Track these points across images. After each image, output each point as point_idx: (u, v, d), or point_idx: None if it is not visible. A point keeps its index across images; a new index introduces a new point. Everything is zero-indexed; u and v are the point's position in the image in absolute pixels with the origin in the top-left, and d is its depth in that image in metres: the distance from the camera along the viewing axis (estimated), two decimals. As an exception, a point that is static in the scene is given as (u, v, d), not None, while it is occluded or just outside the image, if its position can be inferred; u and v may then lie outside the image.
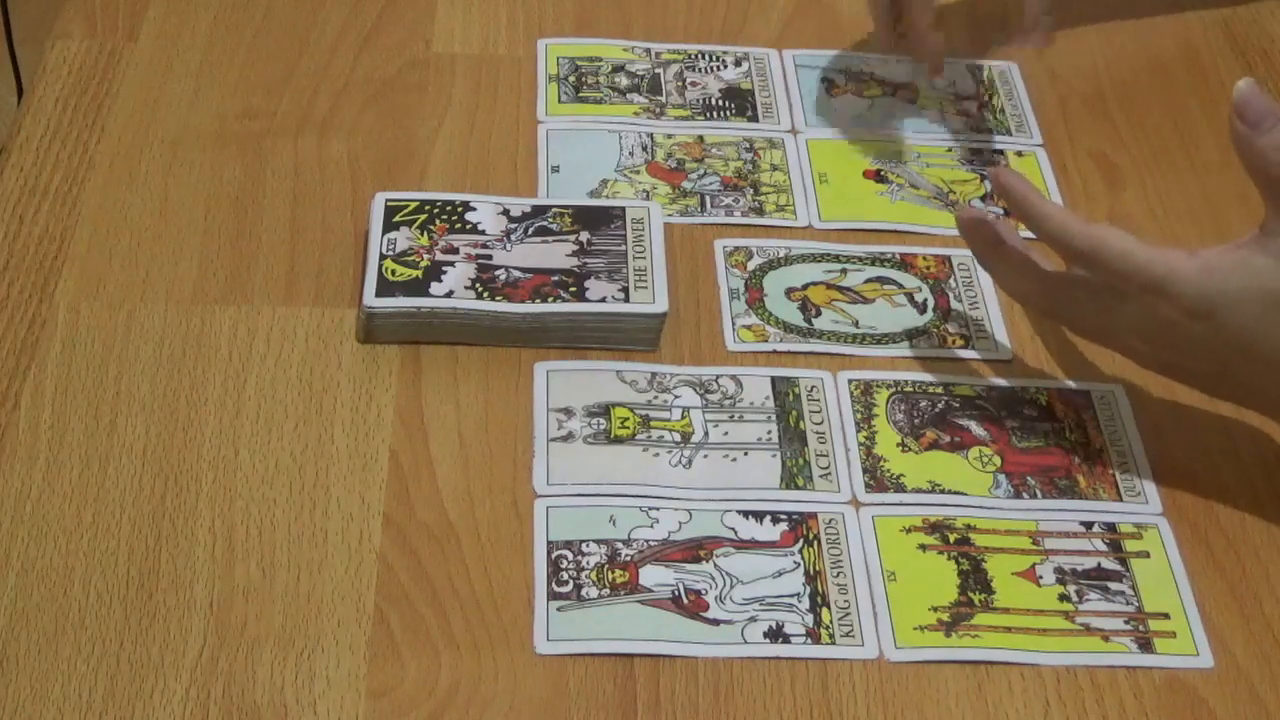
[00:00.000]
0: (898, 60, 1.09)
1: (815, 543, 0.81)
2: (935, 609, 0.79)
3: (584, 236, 0.92)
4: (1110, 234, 0.80)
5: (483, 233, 0.92)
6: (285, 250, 0.94)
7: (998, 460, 0.86)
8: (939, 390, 0.89)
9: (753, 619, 0.78)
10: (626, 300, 0.89)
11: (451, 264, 0.90)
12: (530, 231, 0.93)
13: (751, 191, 1.00)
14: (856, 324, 0.92)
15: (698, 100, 1.06)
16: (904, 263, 0.96)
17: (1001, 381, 0.90)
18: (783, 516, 0.82)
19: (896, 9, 1.03)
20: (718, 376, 0.89)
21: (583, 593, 0.78)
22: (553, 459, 0.84)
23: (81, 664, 0.74)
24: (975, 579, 0.80)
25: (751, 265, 0.95)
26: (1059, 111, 1.08)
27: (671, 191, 0.99)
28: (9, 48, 1.83)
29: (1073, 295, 0.83)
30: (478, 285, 0.89)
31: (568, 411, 0.86)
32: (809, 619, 0.78)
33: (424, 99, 1.05)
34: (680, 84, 1.07)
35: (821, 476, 0.84)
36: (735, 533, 0.81)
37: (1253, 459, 0.87)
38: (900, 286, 0.95)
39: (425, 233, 0.92)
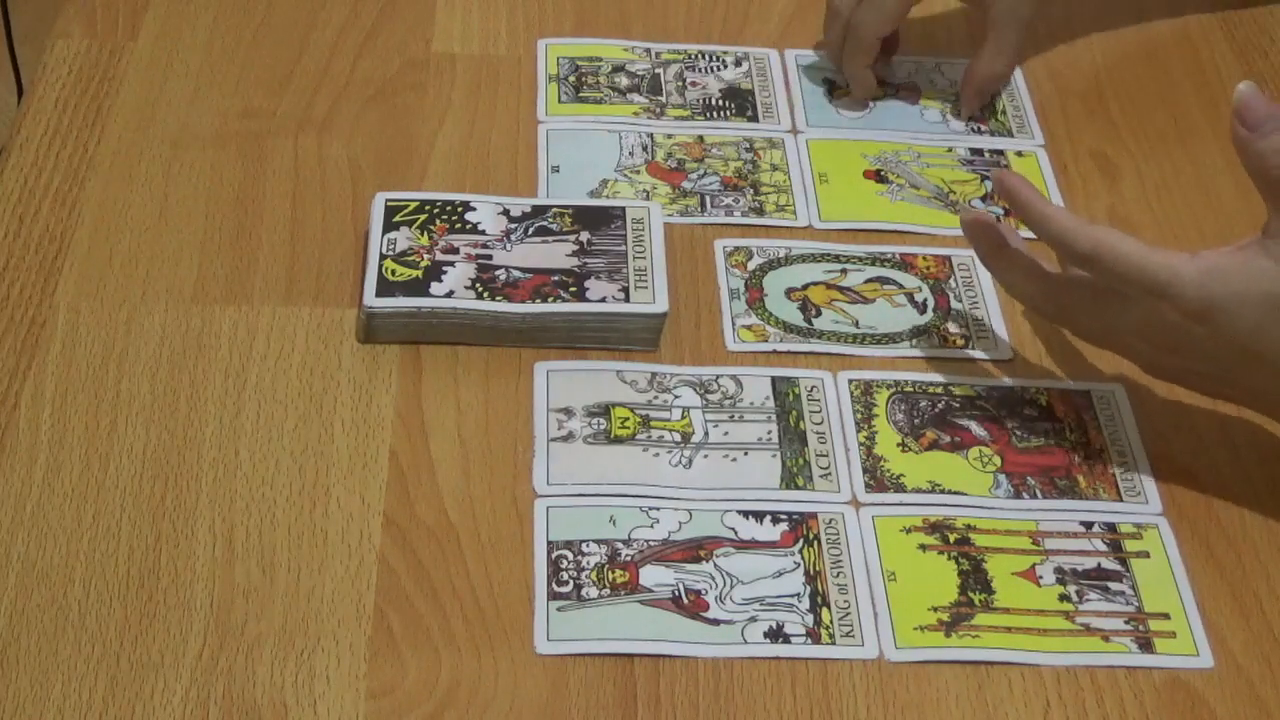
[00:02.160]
0: (900, 61, 1.10)
1: (815, 543, 0.81)
2: (935, 609, 0.79)
3: (584, 236, 0.92)
4: (1113, 237, 0.80)
5: (483, 233, 0.92)
6: (285, 250, 0.94)
7: (998, 460, 0.86)
8: (939, 390, 0.89)
9: (753, 619, 0.78)
10: (626, 300, 0.89)
11: (451, 264, 0.90)
12: (530, 231, 0.93)
13: (751, 191, 1.00)
14: (856, 324, 0.92)
15: (698, 100, 1.06)
16: (904, 263, 0.96)
17: (1001, 381, 0.90)
18: (783, 516, 0.82)
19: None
20: (718, 376, 0.89)
21: (583, 593, 0.78)
22: (553, 459, 0.84)
23: (81, 664, 0.74)
24: (975, 579, 0.80)
25: (751, 265, 0.95)
26: (1059, 111, 1.08)
27: (671, 191, 0.99)
28: (9, 48, 1.83)
29: (1075, 298, 0.83)
30: (478, 285, 0.89)
31: (568, 411, 0.86)
32: (809, 619, 0.78)
33: (424, 99, 1.04)
34: (680, 84, 1.07)
35: (821, 476, 0.84)
36: (735, 533, 0.81)
37: (1253, 459, 0.87)
38: (900, 286, 0.95)
39: (425, 233, 0.92)
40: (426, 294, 0.88)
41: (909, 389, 0.89)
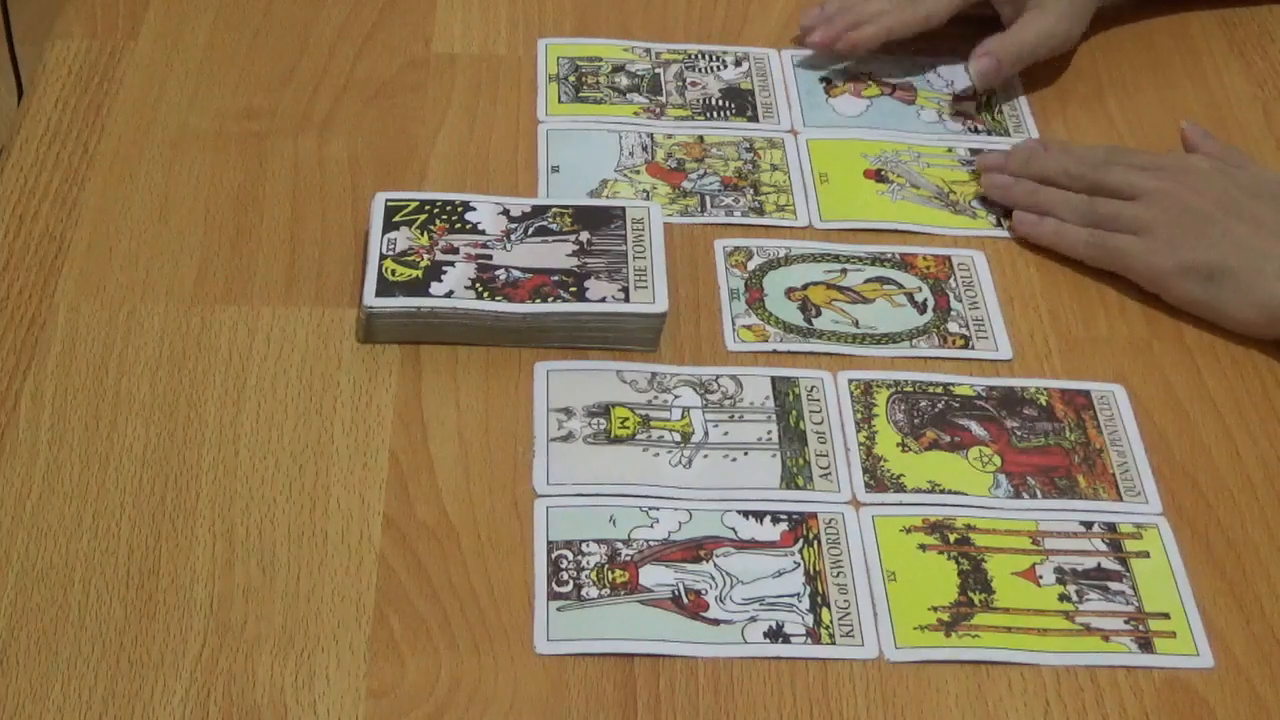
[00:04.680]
0: (897, 60, 1.09)
1: (815, 543, 0.81)
2: (935, 609, 0.79)
3: (584, 236, 0.92)
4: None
5: (483, 233, 0.92)
6: (285, 250, 0.94)
7: (998, 460, 0.86)
8: (939, 390, 0.89)
9: (753, 619, 0.78)
10: (626, 300, 0.89)
11: (451, 264, 0.90)
12: (530, 231, 0.93)
13: (751, 191, 1.00)
14: (856, 324, 0.92)
15: (698, 100, 1.06)
16: (904, 263, 0.96)
17: (1001, 381, 0.90)
18: (783, 516, 0.82)
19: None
20: (718, 376, 0.89)
21: (583, 593, 0.78)
22: (553, 459, 0.84)
23: (81, 664, 0.74)
24: (975, 579, 0.80)
25: (751, 265, 0.95)
26: (1059, 111, 1.08)
27: (671, 191, 0.99)
28: (9, 48, 1.83)
29: (1107, 200, 0.95)
30: (478, 285, 0.89)
31: (568, 411, 0.86)
32: (809, 619, 0.78)
33: (424, 99, 1.05)
34: (680, 84, 1.07)
35: (821, 476, 0.84)
36: (735, 533, 0.81)
37: (1253, 459, 0.87)
38: (900, 286, 0.95)
39: (425, 233, 0.92)
40: (426, 294, 0.88)
41: (909, 389, 0.89)
